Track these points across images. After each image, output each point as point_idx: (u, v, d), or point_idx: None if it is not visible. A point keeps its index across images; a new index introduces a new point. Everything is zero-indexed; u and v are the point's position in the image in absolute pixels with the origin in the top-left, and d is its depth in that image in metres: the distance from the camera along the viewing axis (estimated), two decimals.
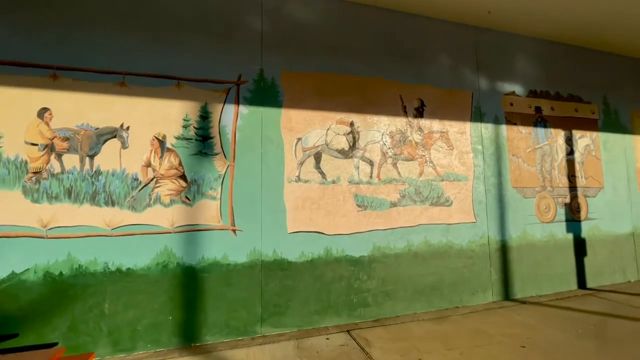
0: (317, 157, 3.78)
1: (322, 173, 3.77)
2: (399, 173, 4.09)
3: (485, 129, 4.57)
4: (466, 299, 4.18)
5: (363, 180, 3.92)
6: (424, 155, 4.23)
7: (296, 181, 3.65)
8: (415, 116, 4.24)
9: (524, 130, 4.80)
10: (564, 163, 5.00)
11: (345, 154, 3.90)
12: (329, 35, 3.96)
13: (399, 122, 4.17)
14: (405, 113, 4.20)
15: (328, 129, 3.86)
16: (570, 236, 4.88)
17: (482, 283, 4.28)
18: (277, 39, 3.76)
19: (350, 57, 4.00)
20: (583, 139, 5.18)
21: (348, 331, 3.45)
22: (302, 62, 3.82)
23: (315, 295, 3.59)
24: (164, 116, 3.32)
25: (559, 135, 5.03)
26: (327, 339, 3.28)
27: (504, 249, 4.46)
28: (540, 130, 4.91)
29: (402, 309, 3.88)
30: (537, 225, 4.69)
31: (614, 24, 4.66)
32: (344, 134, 3.92)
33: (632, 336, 3.23)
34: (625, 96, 5.59)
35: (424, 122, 4.28)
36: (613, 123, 5.45)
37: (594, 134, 5.26)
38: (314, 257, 3.63)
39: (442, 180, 4.27)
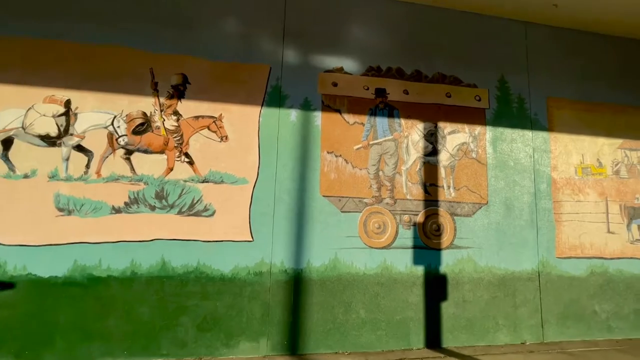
0: (6, 143, 2.92)
1: (9, 164, 2.89)
2: (132, 169, 3.06)
3: (286, 116, 3.37)
4: (220, 349, 2.96)
5: (73, 177, 2.96)
6: (176, 147, 3.16)
7: None
8: (172, 96, 3.21)
9: (352, 119, 3.52)
10: (417, 166, 3.59)
11: (52, 141, 2.98)
12: None
13: (145, 103, 3.17)
14: (156, 91, 3.20)
15: (29, 109, 2.98)
16: (421, 270, 3.43)
17: (251, 328, 3.04)
18: None
19: (77, 19, 3.11)
20: (456, 135, 3.72)
21: None
22: (3, 26, 3.02)
23: None
24: None
25: (414, 129, 3.65)
26: None
27: (296, 281, 3.18)
28: (382, 121, 3.57)
29: None
30: (362, 251, 3.33)
31: None
32: (54, 116, 3.01)
33: None
34: (539, 78, 4.02)
35: (187, 105, 3.23)
36: (514, 114, 3.90)
37: (478, 129, 3.78)
38: None
39: (204, 182, 3.15)
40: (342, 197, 3.37)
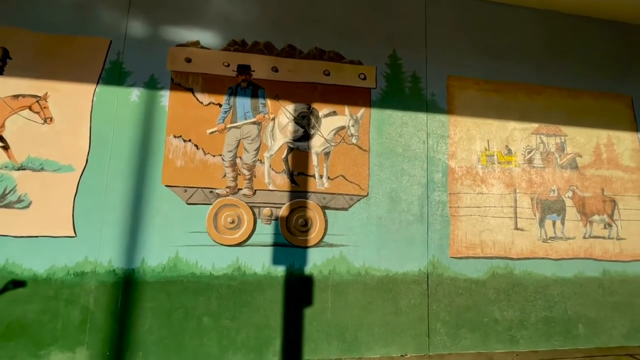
0: None
1: None
2: None
3: (126, 96, 2.97)
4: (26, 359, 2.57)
5: None
6: None
7: None
8: None
9: (207, 99, 3.10)
10: (284, 153, 3.15)
11: None
12: None
13: None
14: None
15: None
16: (281, 270, 2.99)
17: (66, 336, 2.63)
18: None
19: None
20: (333, 118, 3.27)
21: None
22: None
23: None
24: None
25: (283, 110, 3.21)
26: None
27: (127, 283, 2.77)
28: (243, 102, 3.14)
29: None
30: (210, 248, 2.91)
31: None
32: None
33: None
34: (439, 54, 3.55)
35: (6, 82, 2.84)
36: (406, 95, 3.44)
37: (361, 111, 3.33)
38: None
39: (20, 169, 2.76)
40: (189, 187, 2.95)
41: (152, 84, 3.02)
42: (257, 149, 3.10)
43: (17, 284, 2.65)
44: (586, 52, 3.90)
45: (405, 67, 3.47)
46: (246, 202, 3.02)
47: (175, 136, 2.99)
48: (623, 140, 3.84)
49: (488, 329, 3.25)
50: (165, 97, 3.03)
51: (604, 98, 3.86)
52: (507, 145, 3.57)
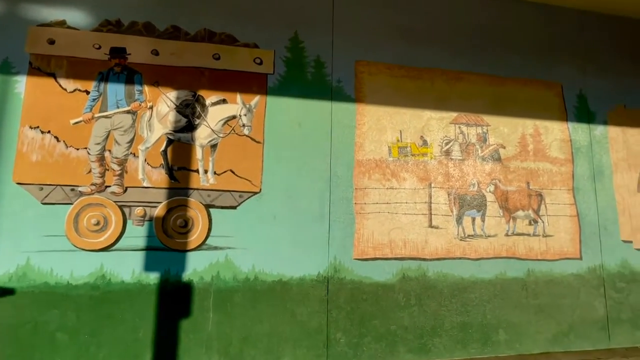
0: None
1: None
2: None
3: None
4: None
5: None
6: None
7: None
8: None
9: (73, 85, 2.74)
10: (163, 146, 2.82)
11: None
12: None
13: None
14: None
15: None
16: (154, 278, 2.65)
17: None
18: None
19: None
20: (222, 107, 2.94)
21: None
22: None
23: None
24: None
25: (162, 99, 2.88)
26: None
27: None
28: (116, 88, 2.79)
29: None
30: (69, 254, 2.55)
31: None
32: None
33: None
34: (347, 37, 3.25)
35: None
36: (308, 81, 3.13)
37: (255, 99, 3.00)
38: None
39: None
40: (46, 184, 2.59)
41: (5, 69, 2.65)
42: (131, 141, 2.76)
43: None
44: (513, 37, 3.64)
45: (308, 51, 3.16)
46: (115, 201, 2.67)
47: (31, 127, 2.63)
48: (551, 131, 3.58)
49: (396, 337, 2.94)
50: (21, 83, 2.66)
51: (531, 85, 3.60)
52: (422, 136, 3.28)
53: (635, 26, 4.01)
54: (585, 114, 3.70)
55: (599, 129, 3.71)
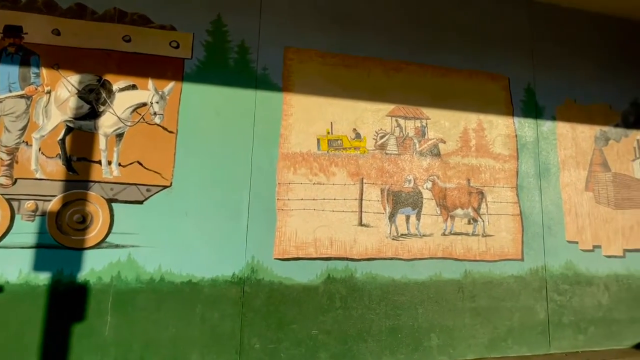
0: None
1: None
2: None
3: None
4: None
5: None
6: None
7: None
8: None
9: None
10: (61, 134, 2.57)
11: None
12: None
13: None
14: None
15: None
16: (45, 278, 2.40)
17: None
18: None
19: None
20: (131, 93, 2.70)
21: None
22: None
23: None
24: None
25: (62, 83, 2.64)
26: None
27: None
28: (9, 70, 2.54)
29: None
30: None
31: None
32: None
33: None
34: (275, 21, 3.03)
35: None
36: (230, 68, 2.90)
37: (169, 85, 2.73)
38: None
39: None
40: None
41: None
42: (23, 129, 2.51)
43: None
44: (458, 27, 3.46)
45: (232, 35, 2.94)
46: (1, 194, 2.43)
47: None
48: (496, 126, 3.42)
49: (317, 342, 2.75)
50: None
51: (476, 78, 3.43)
52: (355, 129, 3.09)
53: (588, 18, 3.86)
54: (532, 109, 3.54)
55: (546, 125, 3.55)
